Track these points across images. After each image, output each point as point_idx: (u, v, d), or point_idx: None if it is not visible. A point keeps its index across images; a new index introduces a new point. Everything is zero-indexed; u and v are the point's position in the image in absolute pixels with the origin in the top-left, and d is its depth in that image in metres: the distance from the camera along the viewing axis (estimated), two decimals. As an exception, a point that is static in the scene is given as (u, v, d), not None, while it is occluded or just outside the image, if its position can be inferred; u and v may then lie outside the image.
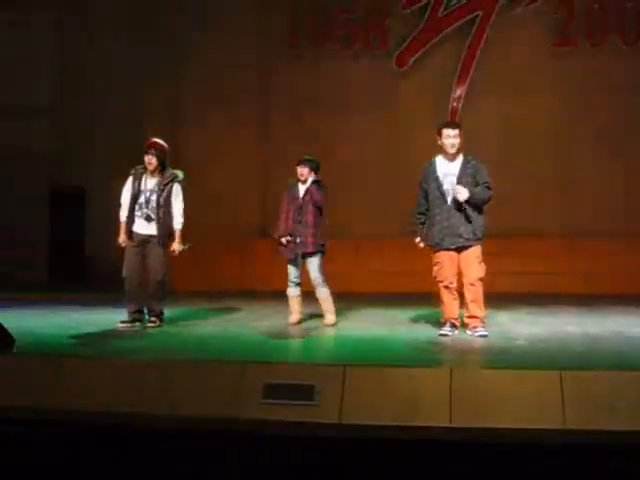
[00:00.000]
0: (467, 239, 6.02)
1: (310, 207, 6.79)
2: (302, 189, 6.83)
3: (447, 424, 4.18)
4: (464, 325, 6.23)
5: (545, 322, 7.24)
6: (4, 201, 10.96)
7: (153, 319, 6.83)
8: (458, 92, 11.55)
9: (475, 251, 6.07)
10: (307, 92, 11.69)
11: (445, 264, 6.10)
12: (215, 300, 9.07)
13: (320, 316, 7.07)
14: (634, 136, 11.01)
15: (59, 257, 11.50)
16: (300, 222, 6.78)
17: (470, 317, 6.17)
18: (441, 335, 6.15)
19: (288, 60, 11.94)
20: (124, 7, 12.10)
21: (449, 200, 6.03)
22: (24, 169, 11.19)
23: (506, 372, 4.55)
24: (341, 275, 8.99)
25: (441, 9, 11.62)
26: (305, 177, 6.84)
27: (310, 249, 6.78)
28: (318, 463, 4.00)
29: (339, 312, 7.26)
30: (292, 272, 6.91)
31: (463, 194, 5.92)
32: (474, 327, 6.12)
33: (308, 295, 7.05)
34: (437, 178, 6.07)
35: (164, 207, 6.63)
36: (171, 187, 6.69)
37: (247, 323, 7.30)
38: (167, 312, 7.06)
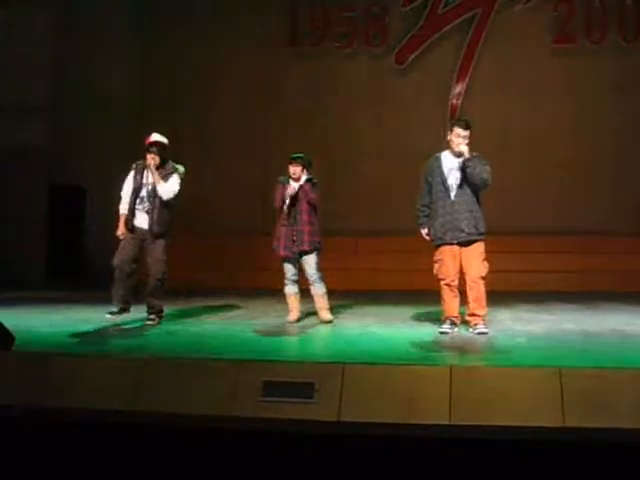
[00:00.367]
0: (469, 234, 6.03)
1: (305, 205, 6.79)
2: (295, 187, 6.80)
3: (446, 422, 4.17)
4: (465, 323, 6.23)
5: (544, 320, 7.24)
6: (3, 199, 10.95)
7: (152, 317, 6.83)
8: (458, 89, 11.56)
9: (478, 248, 6.07)
10: (307, 90, 11.69)
11: (446, 261, 6.10)
12: (214, 298, 9.06)
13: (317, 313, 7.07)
14: (634, 135, 11.00)
15: (58, 255, 11.49)
16: (295, 221, 6.77)
17: (471, 315, 6.17)
18: (441, 333, 6.16)
19: (288, 58, 11.93)
20: (124, 6, 12.09)
21: (452, 195, 6.06)
22: (23, 167, 11.18)
23: (505, 370, 4.55)
24: (340, 272, 9.01)
25: (441, 6, 11.63)
26: (298, 175, 6.82)
27: (306, 247, 6.78)
28: (317, 461, 4.00)
29: (338, 310, 7.27)
30: (289, 270, 6.91)
31: (466, 152, 5.96)
32: (475, 325, 6.13)
33: (305, 293, 7.06)
34: (442, 173, 6.11)
35: (161, 199, 6.64)
36: (169, 179, 6.70)
37: (246, 321, 7.30)
38: (166, 310, 7.06)
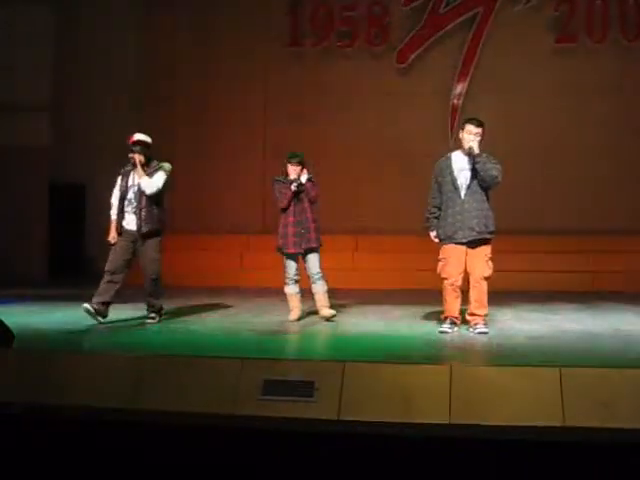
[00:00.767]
0: (479, 232, 6.04)
1: (307, 203, 6.89)
2: (298, 185, 6.84)
3: (446, 421, 4.17)
4: (465, 322, 6.23)
5: (545, 319, 7.24)
6: (4, 197, 10.96)
7: (152, 315, 6.84)
8: (459, 89, 11.54)
9: (484, 249, 6.09)
10: (308, 89, 11.68)
11: (451, 260, 6.10)
12: (214, 296, 9.06)
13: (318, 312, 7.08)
14: (635, 135, 10.99)
15: (59, 253, 11.49)
16: (301, 219, 6.84)
17: (472, 315, 6.17)
18: (441, 332, 6.16)
19: (289, 57, 11.92)
20: (124, 5, 12.08)
21: (462, 195, 6.07)
22: (24, 165, 11.18)
23: (505, 369, 4.54)
24: (340, 271, 9.01)
25: (442, 6, 11.60)
26: (298, 174, 6.87)
27: (314, 244, 6.88)
28: (317, 459, 4.00)
29: (338, 309, 7.27)
30: (292, 269, 6.93)
31: (476, 148, 5.98)
32: (475, 324, 6.13)
33: (305, 292, 7.07)
34: (452, 172, 6.13)
35: (148, 197, 6.65)
36: (154, 175, 6.70)
37: (246, 319, 7.30)
38: (166, 308, 7.07)
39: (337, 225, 9.90)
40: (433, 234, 6.26)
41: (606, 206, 10.88)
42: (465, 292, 6.19)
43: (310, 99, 11.65)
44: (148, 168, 6.72)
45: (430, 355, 5.39)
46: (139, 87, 11.94)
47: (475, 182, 6.07)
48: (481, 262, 6.07)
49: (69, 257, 11.62)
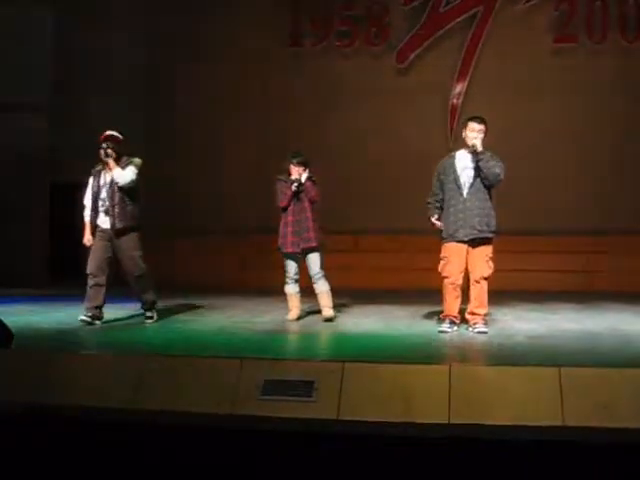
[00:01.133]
0: (480, 230, 6.05)
1: (307, 203, 6.90)
2: (294, 186, 6.85)
3: (445, 421, 4.18)
4: (465, 321, 6.24)
5: (544, 319, 7.24)
6: (4, 198, 10.96)
7: (149, 314, 6.85)
8: (458, 88, 11.53)
9: (485, 249, 6.10)
10: (307, 89, 11.68)
11: (452, 259, 6.11)
12: (214, 296, 9.06)
13: (319, 312, 7.08)
14: (635, 135, 10.99)
15: (59, 253, 11.49)
16: (300, 218, 6.85)
17: (471, 314, 6.18)
18: (440, 332, 6.16)
19: (288, 57, 11.92)
20: (124, 6, 12.08)
21: (465, 193, 6.08)
22: (24, 165, 11.19)
23: (505, 369, 4.55)
24: (340, 271, 9.00)
25: (442, 5, 11.60)
26: (300, 174, 6.89)
27: (314, 243, 6.88)
28: (317, 459, 4.00)
29: (338, 308, 7.27)
30: (292, 269, 6.94)
31: (479, 146, 6.01)
32: (474, 323, 6.13)
33: (306, 291, 7.06)
34: (455, 171, 6.14)
35: (120, 193, 6.63)
36: (126, 169, 6.69)
37: (246, 319, 7.30)
38: (166, 308, 7.07)
39: (337, 224, 9.89)
40: (434, 217, 6.23)
41: (606, 206, 10.87)
42: (465, 291, 6.20)
43: (310, 99, 11.64)
44: (120, 163, 6.72)
45: (430, 355, 5.39)
46: (139, 87, 11.92)
47: (478, 180, 6.09)
48: (482, 261, 6.08)
49: (69, 257, 11.62)
